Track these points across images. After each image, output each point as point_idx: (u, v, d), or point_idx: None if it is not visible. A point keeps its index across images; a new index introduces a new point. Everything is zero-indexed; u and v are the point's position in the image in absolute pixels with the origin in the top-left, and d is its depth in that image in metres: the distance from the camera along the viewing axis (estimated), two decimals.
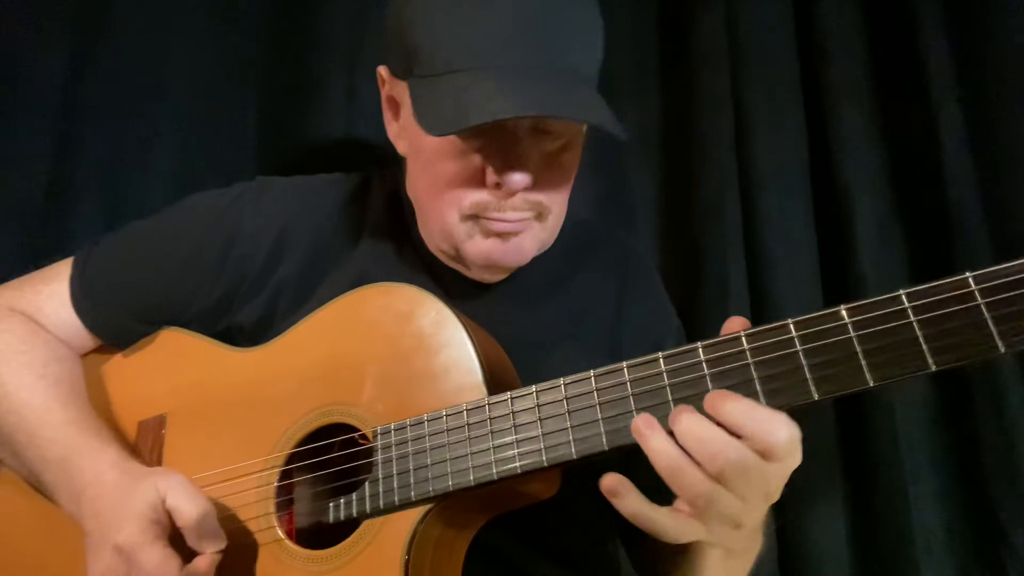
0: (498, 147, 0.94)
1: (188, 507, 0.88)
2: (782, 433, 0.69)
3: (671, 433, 0.72)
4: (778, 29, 1.58)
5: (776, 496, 0.75)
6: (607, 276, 1.18)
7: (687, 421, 0.71)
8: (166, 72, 1.49)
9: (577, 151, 1.02)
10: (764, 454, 0.70)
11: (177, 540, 0.89)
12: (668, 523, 0.74)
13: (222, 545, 0.90)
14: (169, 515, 0.89)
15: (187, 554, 0.89)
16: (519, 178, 0.93)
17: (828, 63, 1.53)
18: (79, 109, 1.42)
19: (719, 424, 0.71)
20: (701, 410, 0.72)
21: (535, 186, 0.97)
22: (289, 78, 1.55)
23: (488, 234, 0.99)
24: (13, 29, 1.40)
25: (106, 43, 1.46)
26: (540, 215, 1.00)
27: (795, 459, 0.72)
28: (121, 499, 0.90)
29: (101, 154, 1.43)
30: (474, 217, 0.98)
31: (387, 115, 1.07)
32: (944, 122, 1.41)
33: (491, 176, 0.95)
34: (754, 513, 0.75)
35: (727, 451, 0.69)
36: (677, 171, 1.58)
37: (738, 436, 0.70)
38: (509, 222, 0.98)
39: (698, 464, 0.71)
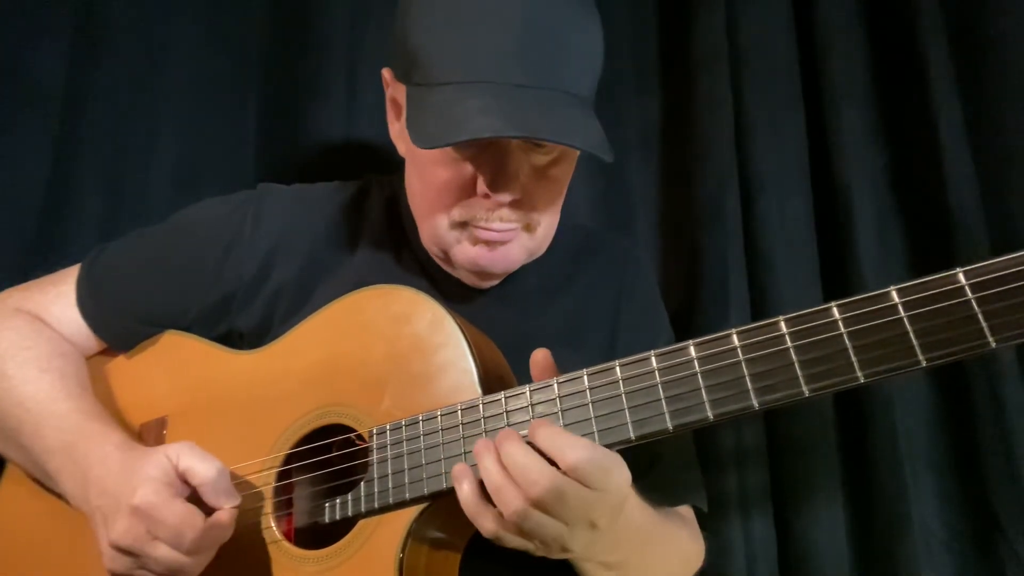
0: (488, 159, 0.96)
1: (202, 466, 0.90)
2: (579, 454, 0.75)
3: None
4: (778, 29, 1.57)
5: (603, 525, 0.80)
6: (606, 282, 1.19)
7: (508, 448, 0.77)
8: (166, 72, 1.49)
9: (570, 164, 1.03)
10: (578, 478, 0.75)
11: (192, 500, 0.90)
12: (489, 526, 0.79)
13: (238, 501, 0.92)
14: (182, 480, 0.90)
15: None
16: (505, 196, 0.96)
17: (828, 63, 1.53)
18: (79, 109, 1.43)
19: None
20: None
21: (524, 199, 0.98)
22: (289, 78, 1.55)
23: (475, 241, 1.01)
24: (13, 28, 1.40)
25: (106, 43, 1.46)
26: (528, 226, 1.02)
27: (614, 485, 0.78)
28: (130, 470, 0.90)
29: (101, 154, 1.43)
30: (462, 224, 1.00)
31: (390, 116, 1.09)
32: (944, 122, 1.40)
33: (480, 187, 0.96)
34: (580, 538, 0.80)
35: (541, 479, 0.75)
36: (677, 171, 1.58)
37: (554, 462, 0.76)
38: (496, 231, 0.99)
39: (518, 486, 0.76)
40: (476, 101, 0.88)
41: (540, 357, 0.85)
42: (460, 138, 0.87)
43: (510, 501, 0.76)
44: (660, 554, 1.00)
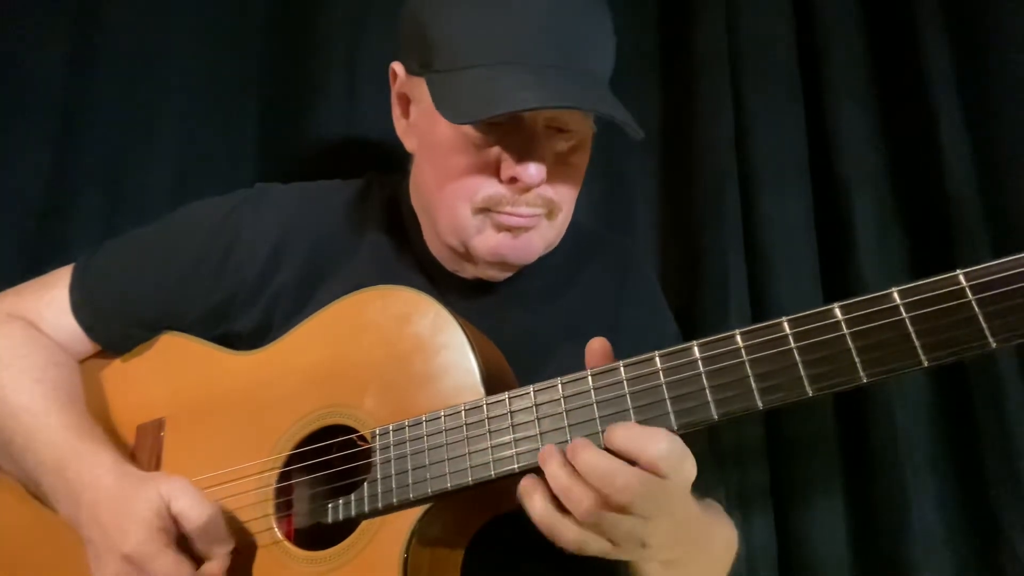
0: (514, 141, 0.95)
1: (195, 512, 0.89)
2: (660, 447, 0.72)
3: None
4: (778, 29, 1.58)
5: (679, 515, 0.78)
6: (606, 281, 1.19)
7: (585, 457, 0.73)
8: (166, 72, 1.50)
9: (587, 152, 1.03)
10: (656, 472, 0.72)
11: (183, 543, 0.89)
12: (570, 535, 0.75)
13: (230, 547, 0.91)
14: (174, 520, 0.89)
15: (195, 556, 0.89)
16: (536, 171, 0.94)
17: (828, 62, 1.53)
18: (79, 109, 1.43)
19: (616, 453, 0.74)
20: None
21: (548, 183, 0.98)
22: (289, 78, 1.55)
23: (499, 228, 1.00)
24: (13, 29, 1.40)
25: (106, 43, 1.47)
26: (551, 212, 1.02)
27: (686, 472, 0.75)
28: (123, 505, 0.90)
29: (101, 154, 1.43)
30: (485, 211, 0.99)
31: (396, 112, 1.08)
32: (944, 122, 1.41)
33: (506, 170, 0.95)
34: (658, 533, 0.77)
35: (629, 484, 0.72)
36: (677, 171, 1.58)
37: (632, 461, 0.73)
38: (521, 217, 0.99)
39: (601, 493, 0.73)
40: (511, 78, 0.89)
41: (597, 345, 0.82)
42: (505, 110, 0.87)
43: (581, 500, 0.73)
44: (709, 543, 0.98)
